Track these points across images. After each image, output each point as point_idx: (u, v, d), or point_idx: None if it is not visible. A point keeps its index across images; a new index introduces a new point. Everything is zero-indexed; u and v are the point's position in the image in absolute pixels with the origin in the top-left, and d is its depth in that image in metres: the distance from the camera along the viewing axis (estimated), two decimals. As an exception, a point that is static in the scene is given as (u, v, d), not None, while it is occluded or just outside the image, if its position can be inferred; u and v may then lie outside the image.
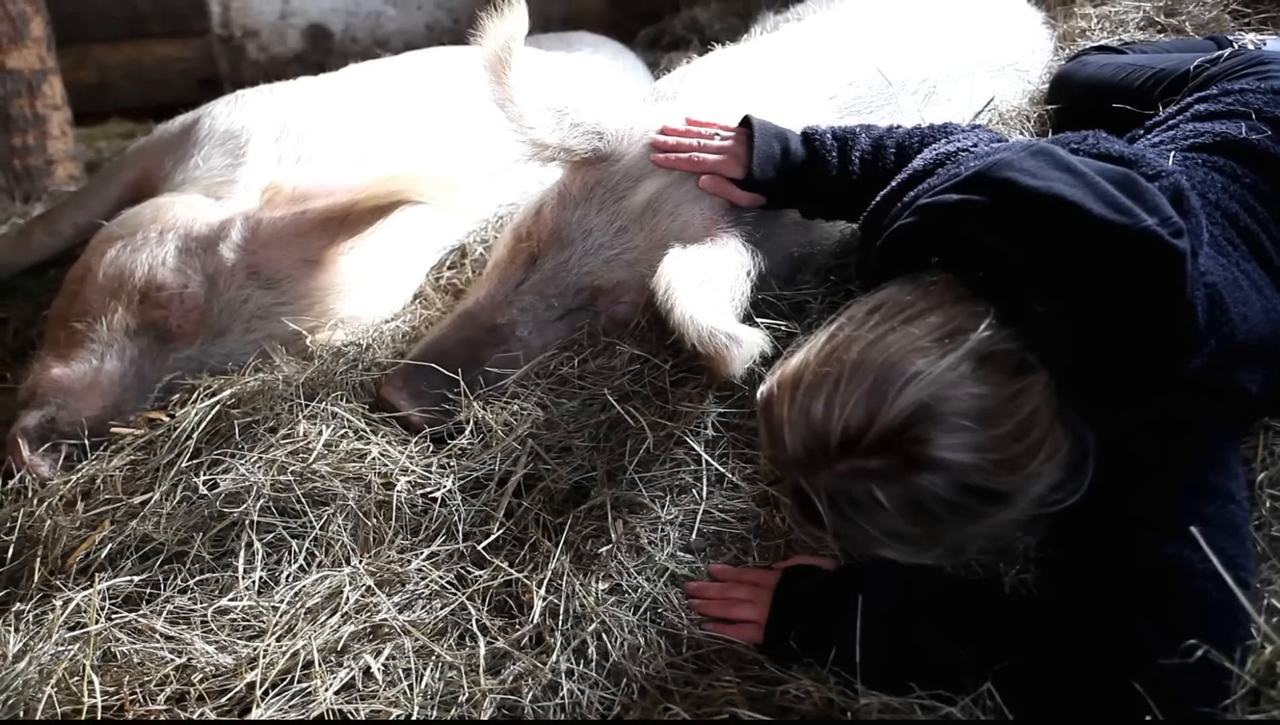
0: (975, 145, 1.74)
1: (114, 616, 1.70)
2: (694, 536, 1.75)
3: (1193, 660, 1.28)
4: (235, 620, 1.69)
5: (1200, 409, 1.47)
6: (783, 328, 1.93)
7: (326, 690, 1.53)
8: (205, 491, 1.87)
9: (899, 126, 2.01)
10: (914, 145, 1.93)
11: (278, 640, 1.62)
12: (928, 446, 1.34)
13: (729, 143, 1.99)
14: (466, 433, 1.96)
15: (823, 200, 2.02)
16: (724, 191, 2.00)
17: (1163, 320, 1.40)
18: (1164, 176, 1.51)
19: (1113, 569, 1.41)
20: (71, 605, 1.71)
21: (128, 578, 1.78)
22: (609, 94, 2.72)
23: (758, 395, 1.55)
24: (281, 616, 1.67)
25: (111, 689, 1.56)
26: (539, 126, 1.98)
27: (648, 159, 2.04)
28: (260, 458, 1.91)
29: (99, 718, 1.52)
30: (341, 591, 1.70)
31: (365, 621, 1.64)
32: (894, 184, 1.74)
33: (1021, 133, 2.41)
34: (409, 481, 1.87)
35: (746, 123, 2.01)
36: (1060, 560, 1.52)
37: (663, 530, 1.76)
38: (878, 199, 1.77)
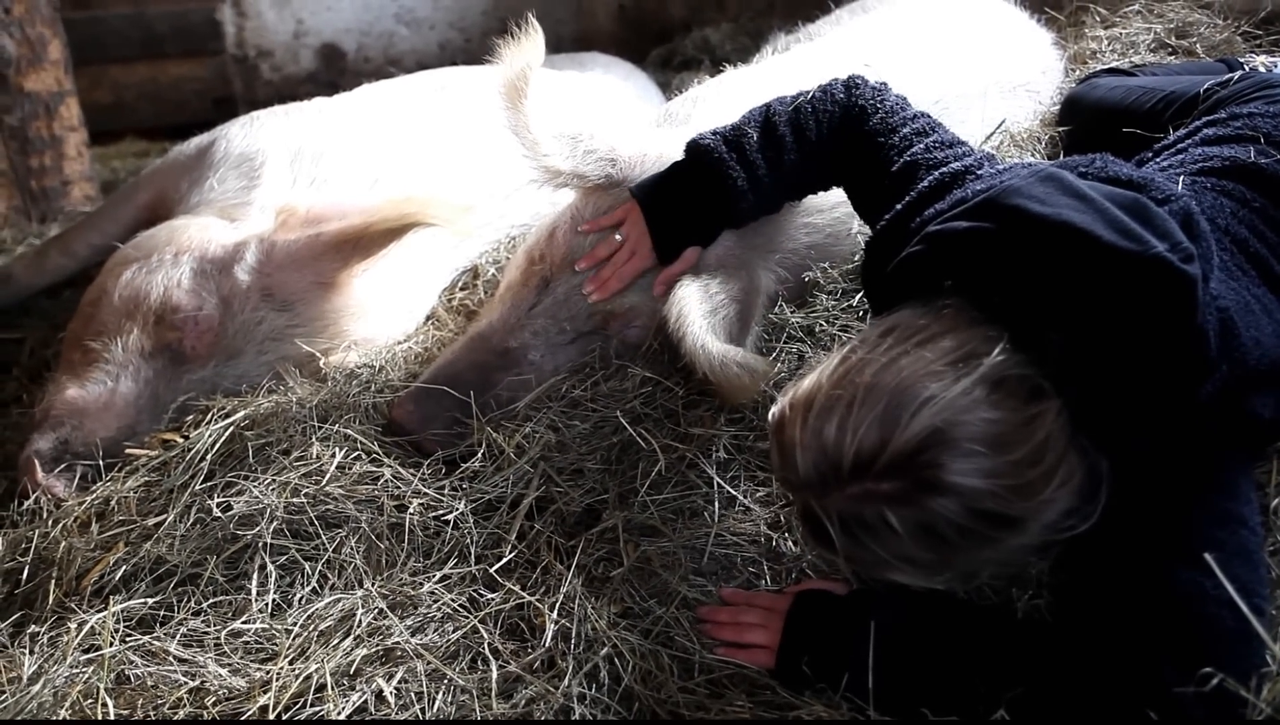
0: (980, 165, 1.73)
1: (128, 639, 1.71)
2: (705, 560, 1.75)
3: (1207, 688, 1.27)
4: (248, 643, 1.70)
5: (1212, 435, 1.46)
6: (795, 351, 1.94)
7: (339, 714, 1.53)
8: (219, 514, 1.88)
9: (782, 102, 1.98)
10: (808, 124, 1.92)
11: (290, 663, 1.62)
12: (941, 471, 1.33)
13: (634, 235, 2.00)
14: (478, 455, 1.96)
15: (743, 213, 1.99)
16: (668, 280, 2.00)
17: (1175, 346, 1.39)
18: (1173, 201, 1.50)
19: (1126, 596, 1.41)
20: (86, 628, 1.71)
21: (141, 600, 1.79)
22: (622, 118, 2.74)
23: (769, 416, 1.54)
24: (294, 639, 1.67)
25: (125, 712, 1.57)
26: (553, 154, 1.99)
27: None
28: (273, 480, 1.92)
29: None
30: (354, 614, 1.70)
31: (378, 644, 1.64)
32: (899, 207, 1.74)
33: (1033, 154, 2.41)
34: (421, 504, 1.88)
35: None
36: (1073, 586, 1.51)
37: (674, 553, 1.76)
38: (884, 223, 1.76)
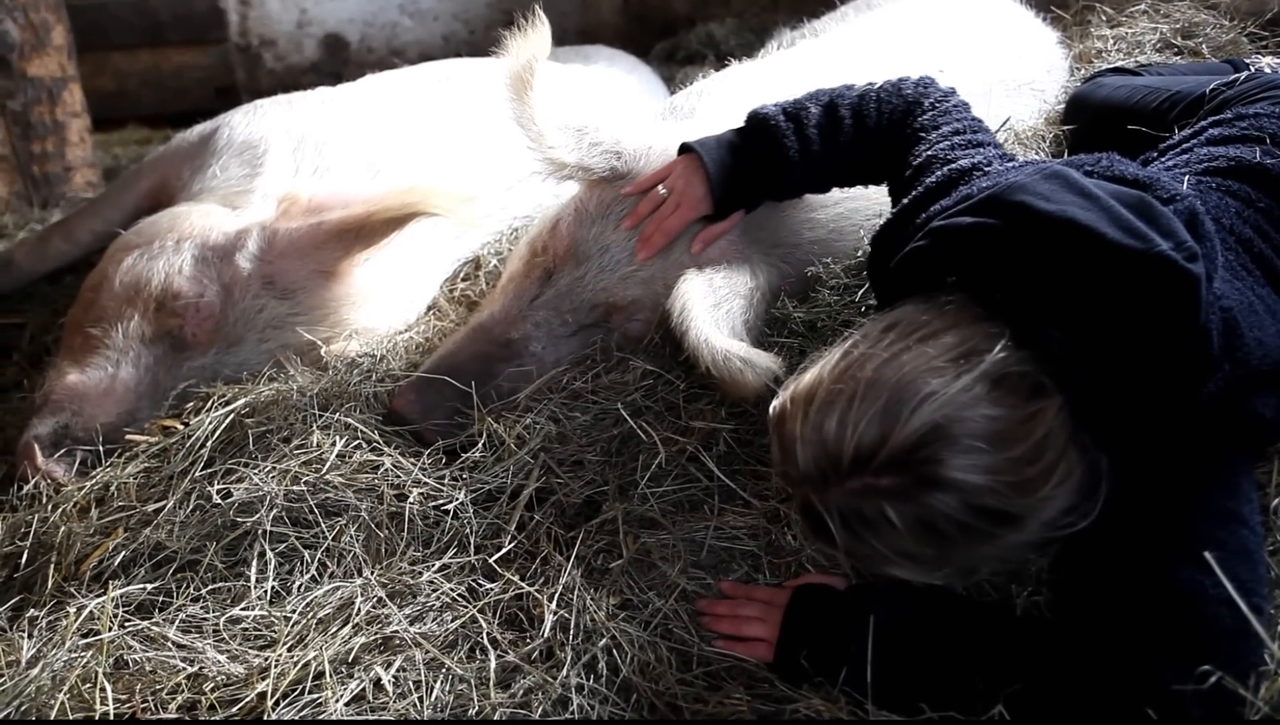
0: (989, 162, 1.73)
1: (127, 624, 1.71)
2: (705, 553, 1.75)
3: (1206, 686, 1.27)
4: (247, 630, 1.70)
5: (1214, 434, 1.46)
6: (796, 345, 1.94)
7: (337, 701, 1.53)
8: (219, 500, 1.88)
9: (849, 89, 2.01)
10: (870, 111, 1.95)
11: (289, 650, 1.62)
12: (940, 467, 1.33)
13: (680, 186, 2.00)
14: (479, 446, 1.96)
15: (790, 184, 2.03)
16: (711, 238, 2.02)
17: (1177, 345, 1.39)
18: (1178, 200, 1.50)
19: (1126, 593, 1.40)
20: (85, 612, 1.71)
21: (141, 585, 1.79)
22: (627, 111, 2.74)
23: (770, 410, 1.55)
24: (293, 627, 1.67)
25: (123, 697, 1.57)
26: (558, 146, 1.99)
27: None
28: (274, 467, 1.92)
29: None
30: (353, 602, 1.70)
31: (376, 633, 1.64)
32: (906, 202, 1.74)
33: (1037, 153, 2.41)
34: (421, 493, 1.88)
35: (686, 149, 2.03)
36: (1073, 583, 1.51)
37: (674, 546, 1.76)
38: (890, 216, 1.77)
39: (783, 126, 1.96)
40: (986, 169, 1.70)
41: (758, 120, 2.00)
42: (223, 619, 1.71)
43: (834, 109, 1.97)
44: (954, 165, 1.73)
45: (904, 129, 1.91)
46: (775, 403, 1.53)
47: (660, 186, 2.03)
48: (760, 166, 1.98)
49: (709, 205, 1.99)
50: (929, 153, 1.80)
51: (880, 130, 1.94)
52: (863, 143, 1.95)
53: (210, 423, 2.04)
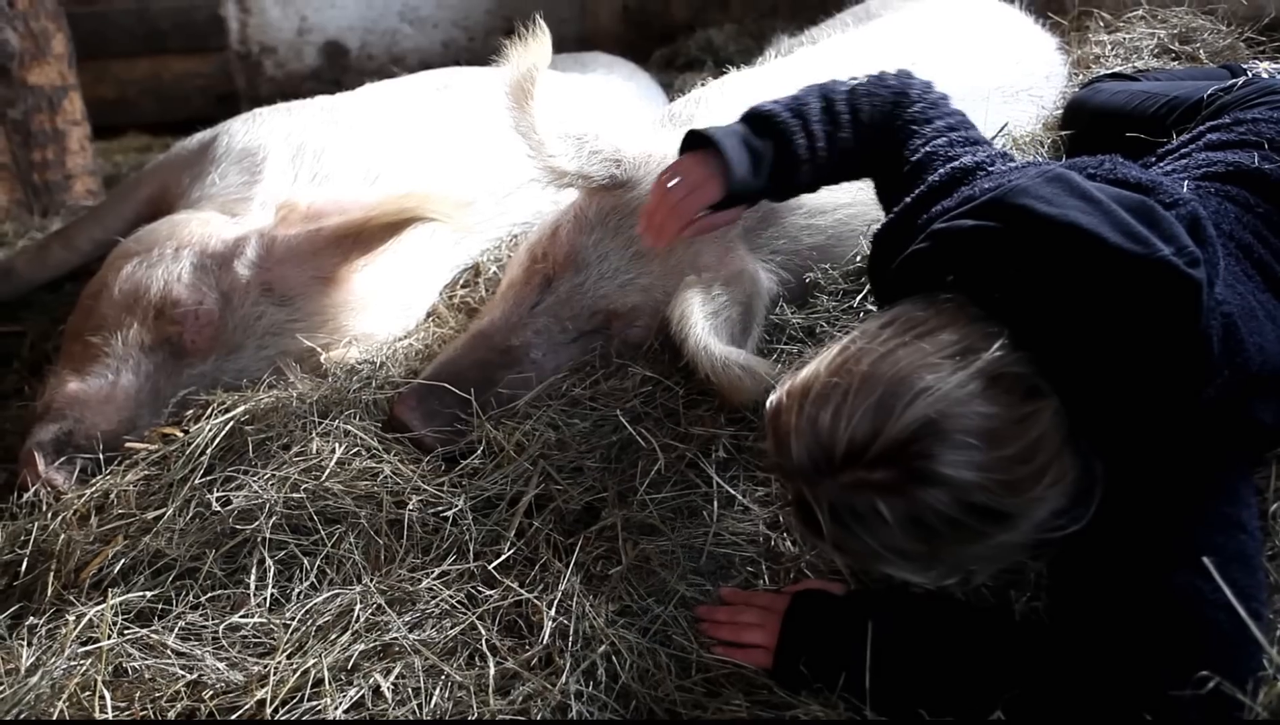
0: (991, 162, 1.73)
1: (126, 632, 1.71)
2: (704, 559, 1.75)
3: (1204, 692, 1.27)
4: (246, 637, 1.70)
5: (1213, 439, 1.46)
6: (795, 352, 1.94)
7: (336, 709, 1.53)
8: (218, 508, 1.88)
9: (838, 84, 1.96)
10: (862, 106, 1.92)
11: (288, 658, 1.62)
12: (932, 462, 1.33)
13: (691, 173, 1.89)
14: (478, 452, 1.96)
15: (795, 183, 1.97)
16: (710, 226, 1.94)
17: (1177, 350, 1.39)
18: (1181, 205, 1.50)
19: (1124, 598, 1.40)
20: (84, 620, 1.71)
21: (140, 593, 1.79)
22: (626, 119, 2.74)
23: (767, 403, 1.54)
24: (292, 634, 1.67)
25: (123, 704, 1.57)
26: (559, 154, 1.99)
27: None
28: (273, 475, 1.92)
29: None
30: (352, 609, 1.70)
31: (375, 640, 1.64)
32: (908, 201, 1.73)
33: (1035, 158, 2.41)
34: (421, 500, 1.88)
35: (695, 139, 1.93)
36: (1071, 588, 1.51)
37: (673, 552, 1.76)
38: (892, 216, 1.76)
39: (791, 124, 1.90)
40: (990, 168, 1.70)
41: (763, 117, 1.92)
42: (222, 626, 1.71)
43: (831, 105, 1.93)
44: (956, 163, 1.73)
45: (894, 120, 1.89)
46: (772, 396, 1.52)
47: (669, 178, 1.90)
48: (769, 163, 1.91)
49: (719, 190, 1.87)
50: (927, 149, 1.79)
51: (873, 124, 1.91)
52: (859, 138, 1.91)
53: (210, 430, 2.04)
